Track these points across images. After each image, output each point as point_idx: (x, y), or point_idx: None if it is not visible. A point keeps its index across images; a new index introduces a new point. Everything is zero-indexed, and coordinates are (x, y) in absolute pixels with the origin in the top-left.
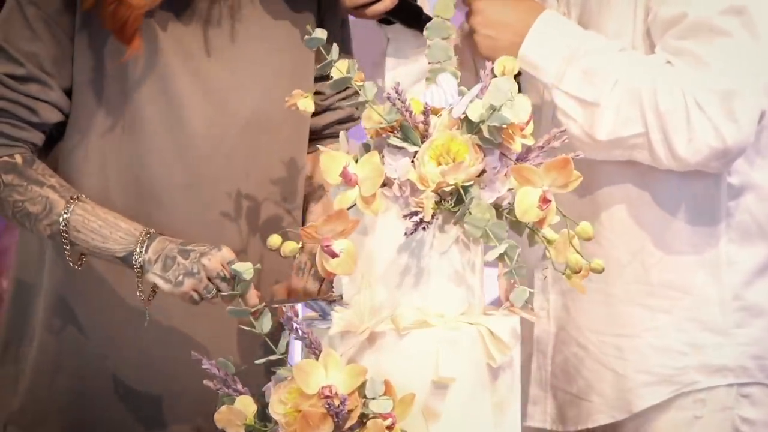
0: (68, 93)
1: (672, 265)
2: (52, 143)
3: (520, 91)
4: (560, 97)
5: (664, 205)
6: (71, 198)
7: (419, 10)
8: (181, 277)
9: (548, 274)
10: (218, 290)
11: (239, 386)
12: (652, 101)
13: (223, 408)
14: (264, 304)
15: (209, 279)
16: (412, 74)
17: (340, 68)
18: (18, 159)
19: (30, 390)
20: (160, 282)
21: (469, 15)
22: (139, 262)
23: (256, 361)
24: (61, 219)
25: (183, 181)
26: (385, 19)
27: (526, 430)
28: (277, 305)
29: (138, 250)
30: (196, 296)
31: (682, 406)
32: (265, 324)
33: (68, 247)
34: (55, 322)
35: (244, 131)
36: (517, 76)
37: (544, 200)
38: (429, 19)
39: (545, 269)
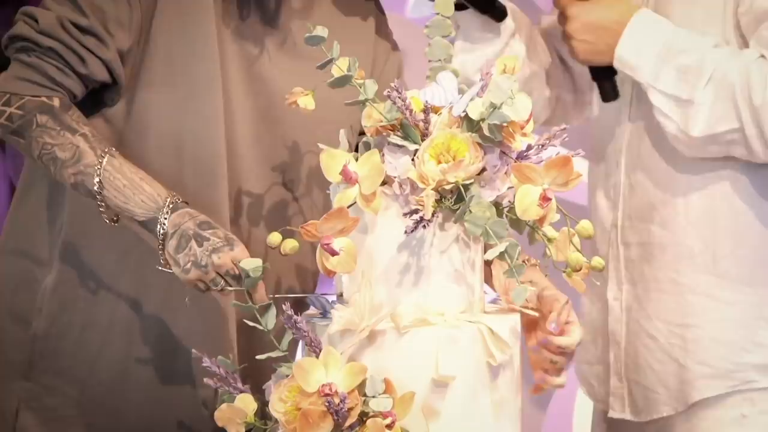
0: (123, 57)
1: (742, 258)
2: (101, 105)
3: (616, 92)
4: (656, 97)
5: (739, 198)
6: (103, 152)
7: None
8: (189, 265)
9: (621, 265)
10: (227, 284)
11: (239, 384)
12: (746, 96)
13: (224, 406)
14: (269, 300)
15: (218, 273)
16: (477, 62)
17: (340, 66)
18: (56, 102)
19: (46, 372)
20: (171, 261)
21: (564, 21)
22: (162, 233)
23: (258, 356)
24: (95, 173)
25: (197, 177)
26: (459, 3)
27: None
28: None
29: (162, 219)
30: (202, 286)
31: (733, 404)
32: (270, 320)
33: (102, 204)
34: (72, 301)
35: (281, 140)
36: (614, 75)
37: (545, 198)
38: (502, 6)
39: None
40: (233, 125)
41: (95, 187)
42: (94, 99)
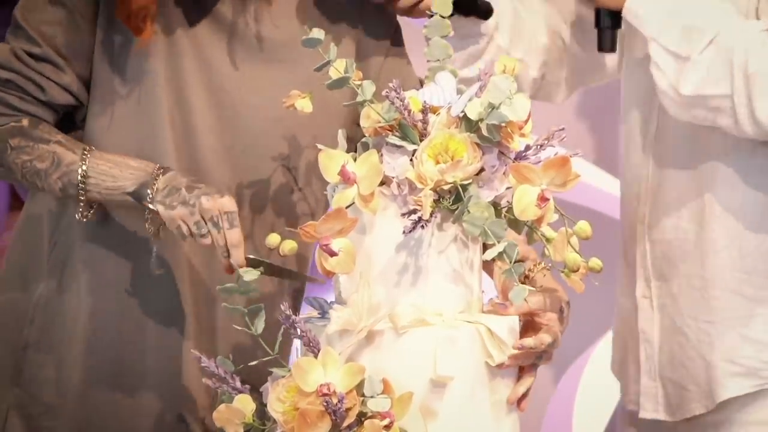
0: (83, 79)
1: None
2: (73, 129)
3: (614, 45)
4: (656, 51)
5: (764, 193)
6: (84, 149)
7: None
8: (175, 203)
9: (648, 262)
10: (208, 232)
11: (238, 384)
12: (743, 63)
13: (222, 406)
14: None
15: (203, 218)
16: (460, 57)
17: (338, 68)
18: (24, 122)
19: (33, 381)
20: (158, 207)
21: None
22: (151, 195)
23: (251, 363)
24: (81, 167)
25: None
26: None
27: None
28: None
29: (152, 182)
30: (185, 228)
31: (763, 404)
32: (259, 324)
33: (83, 198)
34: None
35: (251, 149)
36: (617, 27)
37: (543, 198)
38: (486, 5)
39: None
40: (195, 138)
41: (79, 177)
42: (71, 124)
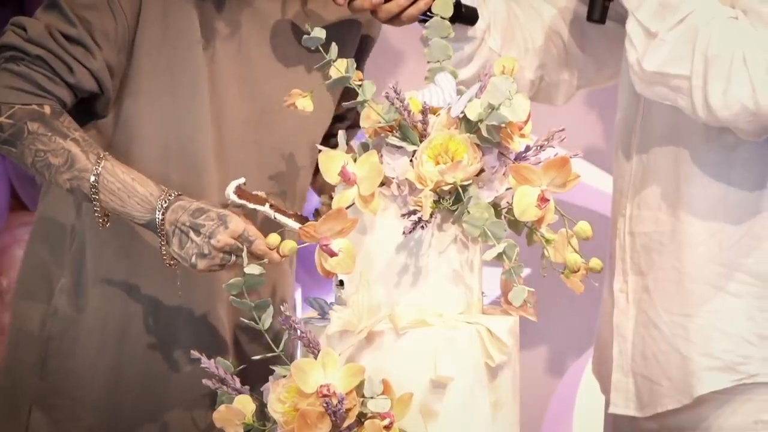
0: (111, 69)
1: (748, 249)
2: (92, 116)
3: (603, 17)
4: (632, 25)
5: (746, 187)
6: (97, 156)
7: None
8: (194, 258)
9: (627, 255)
10: (235, 259)
11: (238, 384)
12: (704, 45)
13: (222, 407)
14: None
15: (224, 252)
16: (453, 60)
17: (338, 67)
18: (47, 109)
19: (56, 373)
20: (179, 259)
21: None
22: (162, 234)
23: (254, 358)
24: (91, 178)
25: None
26: (423, 18)
27: None
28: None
29: (158, 222)
30: (216, 268)
31: (739, 410)
32: (266, 320)
33: (98, 206)
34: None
35: (277, 144)
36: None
37: (543, 199)
38: (471, 11)
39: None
40: (225, 130)
41: (91, 192)
42: (87, 110)
